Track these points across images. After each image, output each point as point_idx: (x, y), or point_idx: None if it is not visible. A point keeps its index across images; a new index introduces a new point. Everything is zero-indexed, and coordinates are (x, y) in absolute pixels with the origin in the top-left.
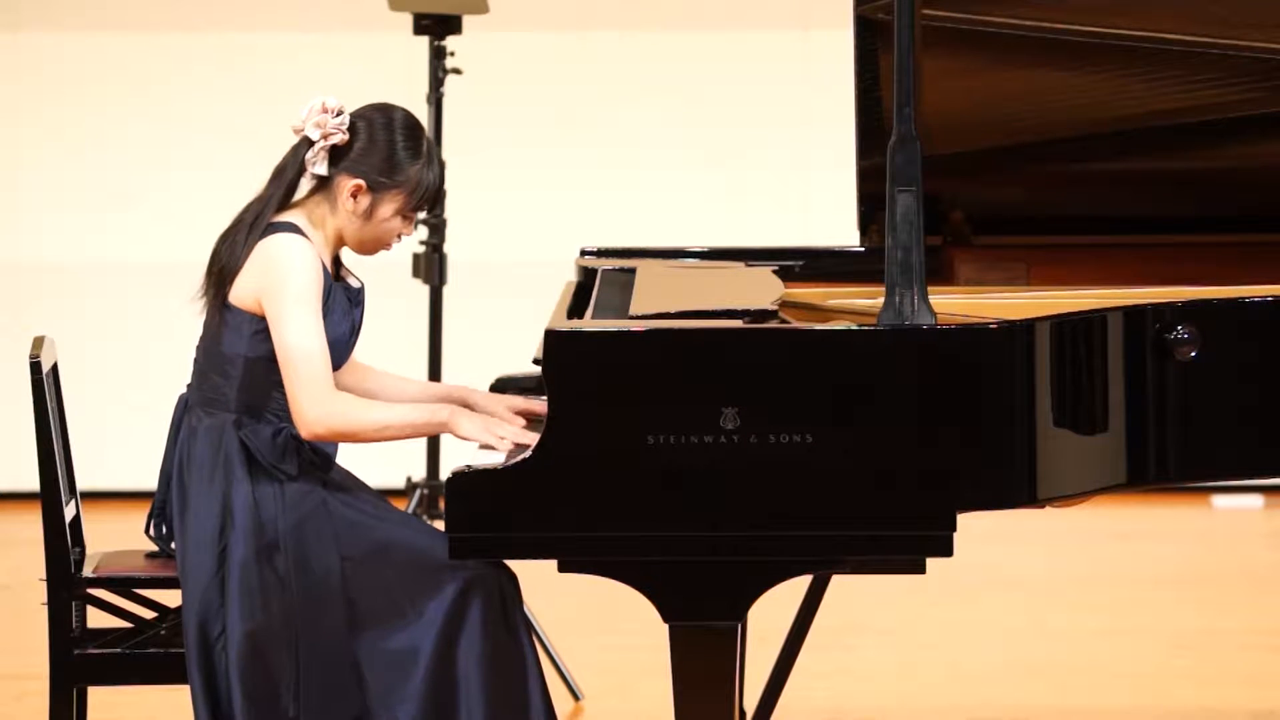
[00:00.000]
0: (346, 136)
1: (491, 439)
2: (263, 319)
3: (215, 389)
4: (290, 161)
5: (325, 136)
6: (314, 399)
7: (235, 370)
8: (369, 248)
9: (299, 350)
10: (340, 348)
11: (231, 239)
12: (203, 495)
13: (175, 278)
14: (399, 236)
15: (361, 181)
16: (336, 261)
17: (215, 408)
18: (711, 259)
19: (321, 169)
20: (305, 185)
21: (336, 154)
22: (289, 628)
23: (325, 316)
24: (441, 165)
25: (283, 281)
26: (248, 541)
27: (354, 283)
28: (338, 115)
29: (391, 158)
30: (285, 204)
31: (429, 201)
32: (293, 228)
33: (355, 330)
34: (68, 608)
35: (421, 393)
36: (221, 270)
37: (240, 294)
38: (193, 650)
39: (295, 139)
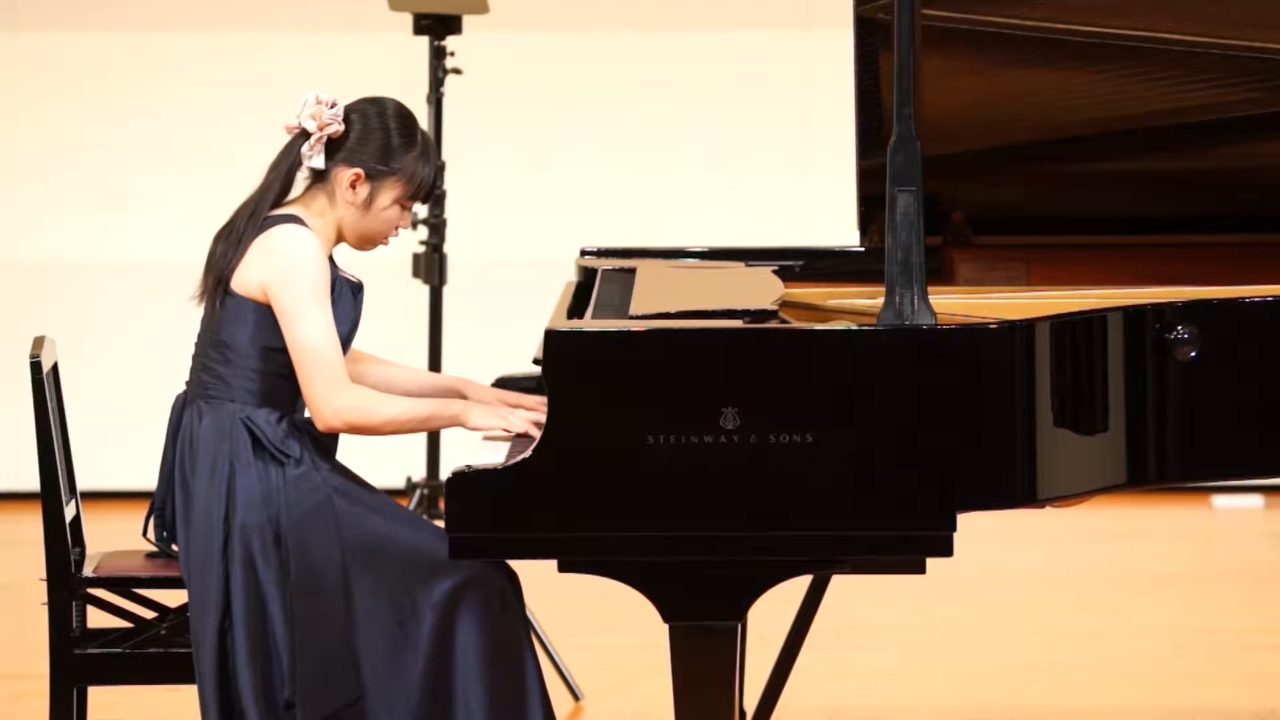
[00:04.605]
0: (342, 127)
1: (504, 423)
2: (264, 306)
3: (217, 377)
4: (285, 156)
5: (321, 128)
6: (332, 392)
7: (236, 356)
8: (368, 241)
9: (313, 346)
10: (346, 340)
11: (229, 234)
12: (205, 485)
13: (175, 278)
14: (396, 230)
15: (360, 170)
16: (331, 260)
17: (217, 395)
18: (711, 259)
19: (319, 161)
20: (301, 181)
21: (332, 146)
22: (289, 616)
23: (333, 308)
24: (438, 157)
25: (293, 275)
26: (252, 532)
27: (351, 279)
28: (332, 107)
29: (387, 145)
30: (281, 199)
31: (426, 191)
32: (295, 219)
33: (356, 323)
34: (68, 608)
35: (424, 383)
36: (220, 265)
37: (243, 282)
38: (204, 642)
39: (289, 138)
